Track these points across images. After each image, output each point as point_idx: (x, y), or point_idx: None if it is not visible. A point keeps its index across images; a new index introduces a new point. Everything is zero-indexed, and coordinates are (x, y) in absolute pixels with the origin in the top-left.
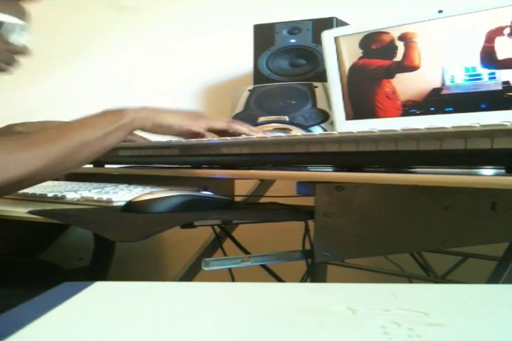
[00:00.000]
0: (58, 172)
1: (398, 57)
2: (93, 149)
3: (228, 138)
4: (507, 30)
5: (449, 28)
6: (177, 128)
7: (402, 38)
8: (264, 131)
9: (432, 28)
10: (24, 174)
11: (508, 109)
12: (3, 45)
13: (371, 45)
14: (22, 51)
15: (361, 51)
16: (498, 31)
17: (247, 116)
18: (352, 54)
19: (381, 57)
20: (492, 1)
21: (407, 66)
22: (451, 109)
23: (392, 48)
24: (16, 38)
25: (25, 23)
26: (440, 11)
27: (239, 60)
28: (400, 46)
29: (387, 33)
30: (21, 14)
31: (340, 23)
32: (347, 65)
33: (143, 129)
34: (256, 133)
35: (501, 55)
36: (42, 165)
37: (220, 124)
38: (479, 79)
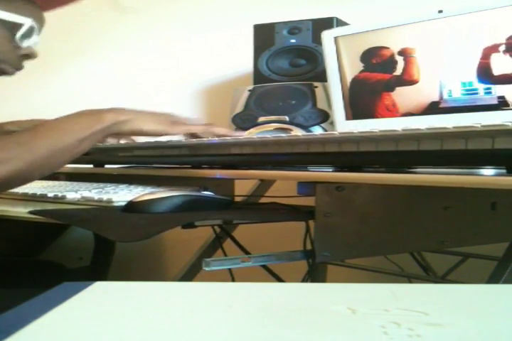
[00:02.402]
0: (28, 179)
1: (398, 72)
2: (64, 156)
3: (228, 138)
4: (502, 47)
5: (448, 29)
6: (154, 134)
7: (402, 53)
8: (242, 131)
9: (431, 28)
10: None
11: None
12: (14, 50)
13: (372, 60)
14: (30, 55)
15: (362, 65)
16: (494, 48)
17: (247, 116)
18: (353, 65)
19: (381, 71)
20: (492, 1)
21: (407, 80)
22: None
23: (392, 63)
24: (28, 42)
25: (40, 28)
26: (440, 11)
27: (239, 60)
28: (400, 61)
29: (387, 47)
30: (39, 18)
31: (340, 23)
32: (347, 71)
33: (118, 134)
34: (237, 134)
35: (497, 70)
36: (10, 173)
37: (198, 129)
38: (475, 93)
